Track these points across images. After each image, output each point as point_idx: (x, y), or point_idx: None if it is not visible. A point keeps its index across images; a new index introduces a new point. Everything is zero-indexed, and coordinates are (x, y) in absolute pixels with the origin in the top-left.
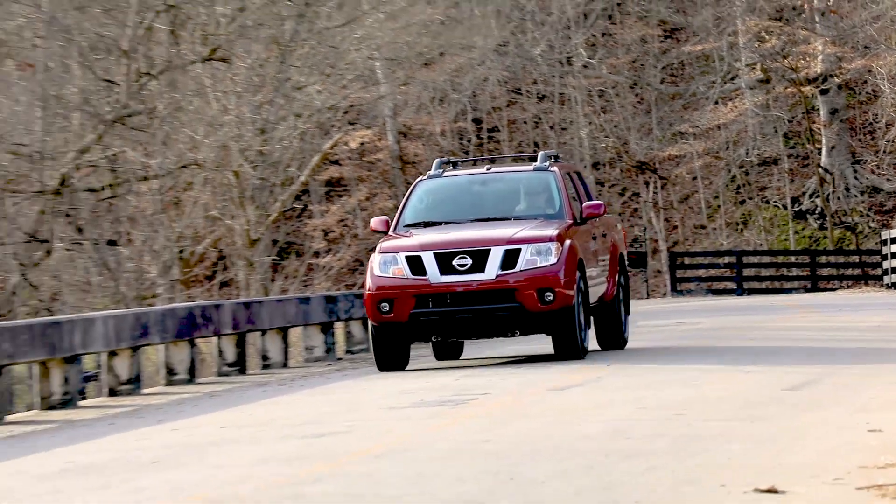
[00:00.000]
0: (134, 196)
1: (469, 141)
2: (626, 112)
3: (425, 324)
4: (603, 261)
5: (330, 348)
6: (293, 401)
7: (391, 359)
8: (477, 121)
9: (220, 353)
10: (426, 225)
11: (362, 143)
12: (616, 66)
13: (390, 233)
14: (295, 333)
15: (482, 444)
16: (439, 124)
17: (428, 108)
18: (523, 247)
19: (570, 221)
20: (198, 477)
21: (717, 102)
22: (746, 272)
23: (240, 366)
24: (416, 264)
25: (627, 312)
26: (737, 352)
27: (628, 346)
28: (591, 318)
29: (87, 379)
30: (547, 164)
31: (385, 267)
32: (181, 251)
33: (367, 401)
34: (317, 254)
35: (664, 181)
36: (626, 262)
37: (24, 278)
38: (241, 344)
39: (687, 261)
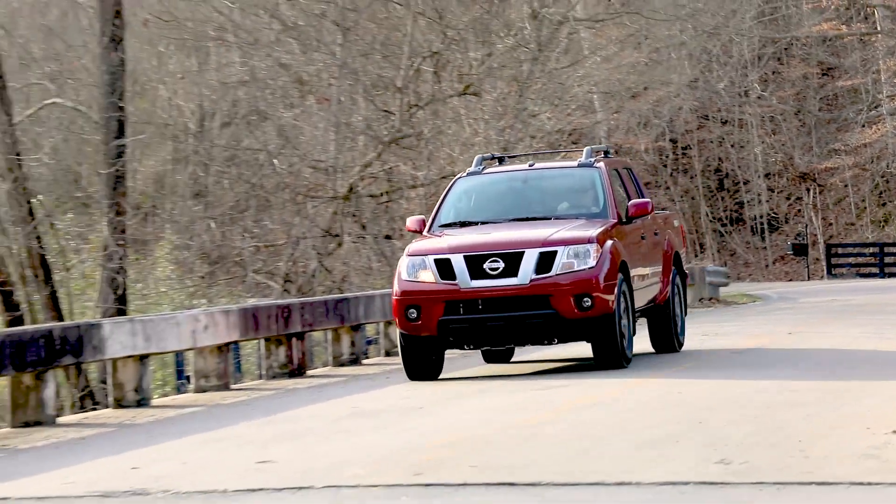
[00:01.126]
0: (405, 200)
1: (667, 156)
2: (792, 133)
3: (455, 332)
4: (654, 261)
5: None
6: (529, 365)
7: (421, 368)
8: (673, 140)
9: None
10: (462, 225)
11: None
12: (783, 97)
13: (424, 233)
14: None
15: (672, 397)
16: (643, 143)
17: (634, 131)
18: (559, 249)
19: (615, 221)
20: (451, 420)
21: (863, 126)
22: (887, 259)
23: None
24: (445, 268)
25: (684, 314)
26: (881, 323)
27: (685, 348)
28: (639, 320)
29: (369, 343)
30: (592, 160)
31: (413, 270)
32: None
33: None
34: None
35: (821, 188)
36: (683, 262)
37: (320, 265)
38: None
39: (840, 251)
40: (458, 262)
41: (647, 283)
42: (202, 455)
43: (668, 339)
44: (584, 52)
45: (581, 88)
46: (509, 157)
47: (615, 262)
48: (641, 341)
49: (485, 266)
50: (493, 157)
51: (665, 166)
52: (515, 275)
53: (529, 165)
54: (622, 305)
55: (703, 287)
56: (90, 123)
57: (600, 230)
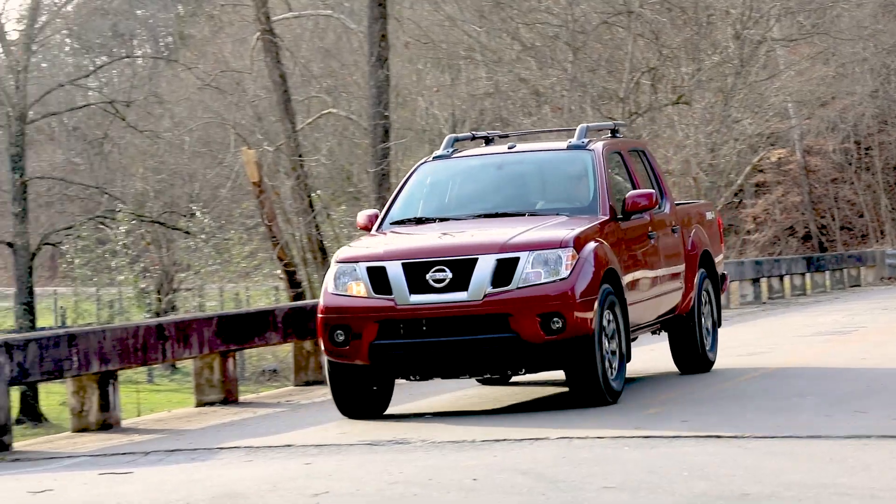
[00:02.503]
0: None
1: (851, 156)
2: None
3: (392, 359)
4: (670, 264)
5: (757, 295)
6: (732, 331)
7: (356, 402)
8: (857, 142)
9: None
10: (419, 222)
11: (779, 158)
12: None
13: (373, 231)
14: (733, 286)
15: (860, 361)
16: (831, 145)
17: (823, 134)
18: (522, 255)
19: (605, 217)
20: (671, 380)
21: None
22: None
23: None
24: (379, 279)
25: (718, 324)
26: None
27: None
28: (653, 334)
29: None
30: (585, 140)
31: (341, 282)
32: None
33: (781, 331)
34: (748, 232)
35: None
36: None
37: None
38: None
39: None
40: (394, 271)
41: (657, 291)
42: (454, 409)
43: (693, 357)
44: (780, 66)
45: (777, 98)
46: (500, 135)
47: (598, 271)
48: (663, 358)
49: (428, 277)
50: (473, 137)
51: (850, 164)
52: (465, 288)
53: (509, 148)
54: (608, 324)
55: (883, 268)
56: (360, 130)
57: (580, 230)
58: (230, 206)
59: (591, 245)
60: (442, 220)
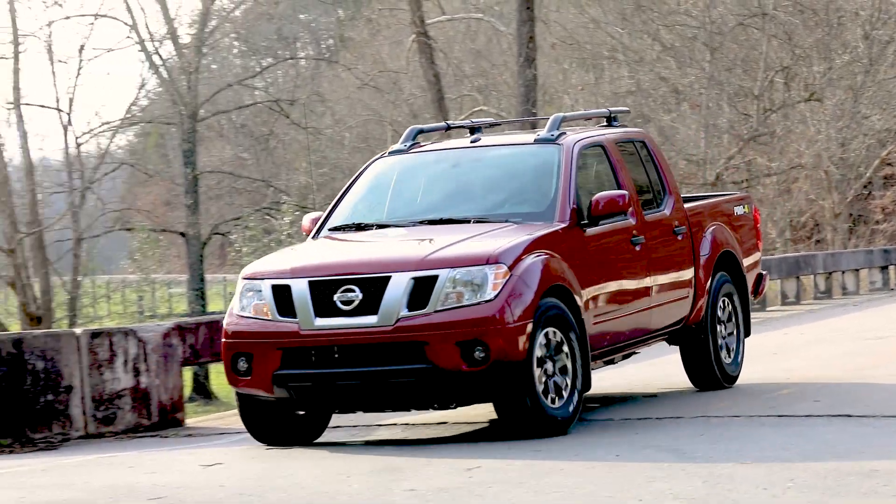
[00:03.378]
0: (761, 186)
1: None
2: None
3: (297, 391)
4: (672, 271)
5: (885, 282)
6: (861, 316)
7: (273, 430)
8: None
9: (815, 285)
10: (358, 228)
11: None
12: None
13: (309, 238)
14: (863, 273)
15: None
16: None
17: None
18: (442, 273)
19: (563, 224)
20: (803, 363)
21: None
22: None
23: (827, 293)
24: (284, 299)
25: (745, 333)
26: None
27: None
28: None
29: None
30: (554, 133)
31: (246, 302)
32: (791, 220)
33: None
34: (877, 222)
35: None
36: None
37: None
38: (828, 279)
39: None
40: (299, 290)
41: (647, 303)
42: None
43: (707, 371)
44: None
45: None
46: (491, 123)
47: (538, 289)
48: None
49: (335, 298)
50: (448, 127)
51: None
52: (376, 311)
53: (472, 141)
54: (549, 349)
55: None
56: (509, 127)
57: (517, 242)
58: None
59: (531, 259)
60: (381, 226)
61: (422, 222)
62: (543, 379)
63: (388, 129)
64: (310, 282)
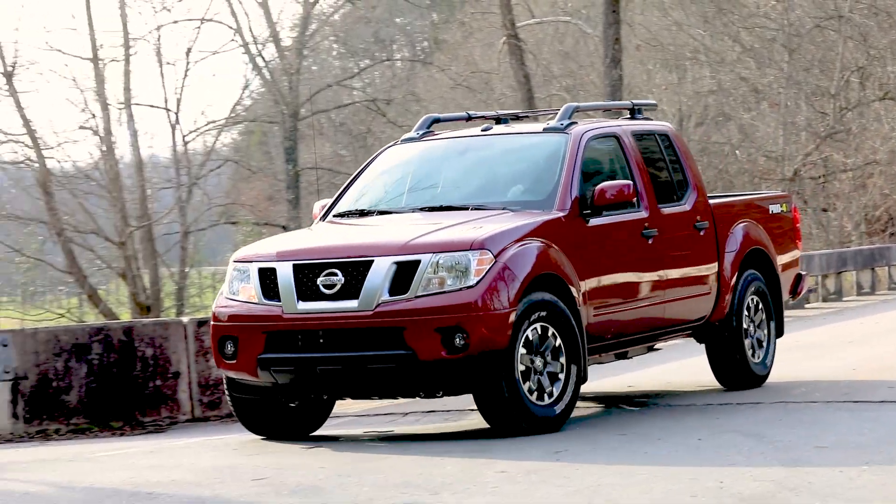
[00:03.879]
0: (837, 181)
1: None
2: None
3: (279, 375)
4: (691, 265)
5: None
6: None
7: (264, 419)
8: None
9: (890, 276)
10: (361, 214)
11: None
12: None
13: (315, 223)
14: None
15: None
16: None
17: None
18: (424, 258)
19: (561, 213)
20: (878, 351)
21: None
22: None
23: None
24: (269, 282)
25: (777, 333)
26: None
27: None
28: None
29: (809, 291)
30: (564, 122)
31: (235, 285)
32: (866, 214)
33: None
34: None
35: None
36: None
37: None
38: None
39: None
40: (284, 273)
41: (660, 297)
42: (664, 383)
43: (733, 369)
44: None
45: None
46: (518, 115)
47: (526, 278)
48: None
49: (319, 281)
50: (467, 117)
51: None
52: (357, 296)
53: (483, 130)
54: (537, 340)
55: None
56: None
57: (505, 229)
58: None
59: (520, 247)
60: (382, 212)
61: (422, 209)
62: (529, 371)
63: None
64: (294, 265)
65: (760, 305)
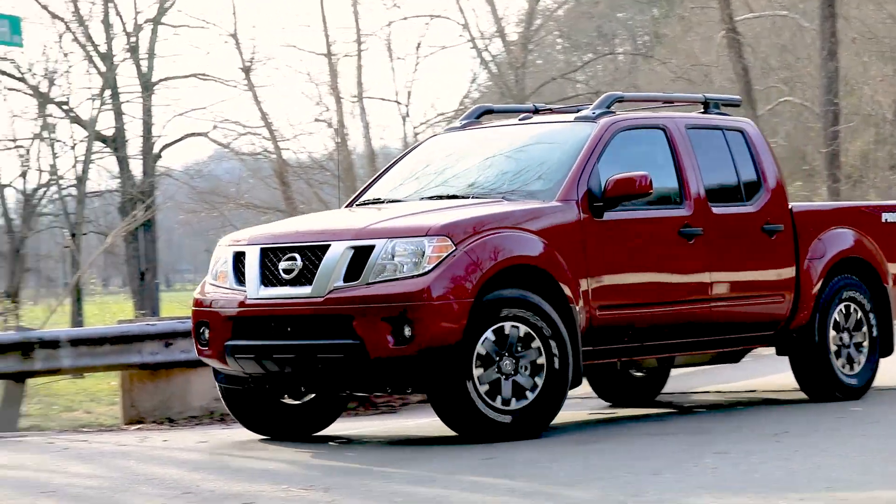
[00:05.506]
0: None
1: None
2: None
3: (242, 364)
4: (755, 270)
5: None
6: None
7: (255, 415)
8: None
9: None
10: (376, 202)
11: None
12: None
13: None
14: None
15: None
16: None
17: None
18: (378, 244)
19: (559, 205)
20: None
21: None
22: None
23: None
24: (240, 267)
25: (876, 349)
26: None
27: None
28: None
29: None
30: (596, 111)
31: (216, 269)
32: None
33: None
34: None
35: None
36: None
37: None
38: None
39: None
40: (251, 258)
41: (703, 302)
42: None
43: (816, 380)
44: None
45: None
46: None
47: (491, 269)
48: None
49: (280, 266)
50: (518, 110)
51: None
52: (310, 282)
53: (520, 119)
54: (514, 340)
55: None
56: (813, 115)
57: (475, 215)
58: None
59: (488, 235)
60: (393, 201)
61: (430, 198)
62: (492, 374)
63: None
64: (261, 249)
65: (858, 317)
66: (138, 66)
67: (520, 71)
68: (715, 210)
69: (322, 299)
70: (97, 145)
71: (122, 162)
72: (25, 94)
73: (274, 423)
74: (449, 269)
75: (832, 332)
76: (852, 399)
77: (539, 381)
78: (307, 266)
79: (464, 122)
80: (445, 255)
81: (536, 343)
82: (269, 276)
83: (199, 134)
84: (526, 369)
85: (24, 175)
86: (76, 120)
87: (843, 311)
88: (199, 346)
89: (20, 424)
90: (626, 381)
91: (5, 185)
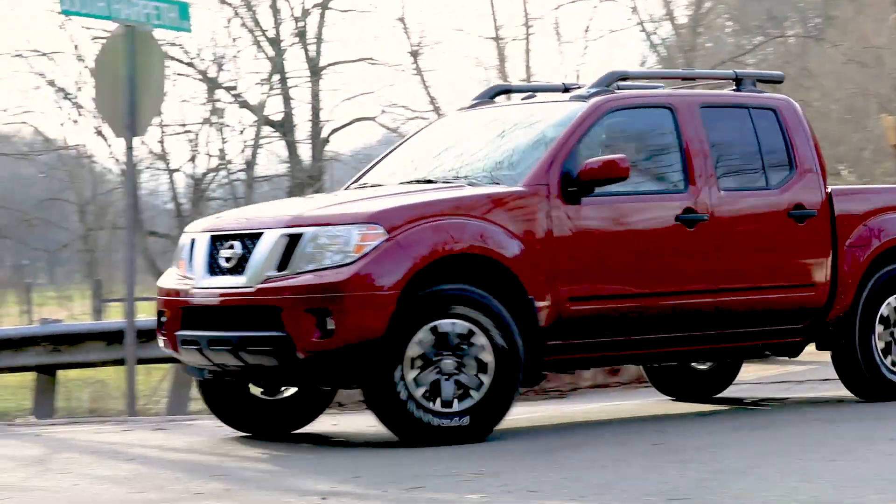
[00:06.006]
0: None
1: None
2: None
3: (188, 355)
4: (773, 259)
5: None
6: None
7: (229, 407)
8: None
9: None
10: (362, 187)
11: None
12: None
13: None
14: None
15: None
16: None
17: None
18: (307, 232)
19: (520, 190)
20: None
21: None
22: None
23: None
24: (193, 254)
25: None
26: None
27: None
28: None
29: None
30: (591, 91)
31: (177, 256)
32: None
33: None
34: None
35: None
36: None
37: None
38: None
39: None
40: (201, 245)
41: (706, 293)
42: None
43: (859, 377)
44: None
45: None
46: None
47: (424, 258)
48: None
49: (221, 254)
50: (533, 89)
51: None
52: (243, 271)
53: (523, 99)
54: (455, 336)
55: None
56: None
57: (420, 202)
58: (871, 166)
59: (427, 223)
60: (376, 185)
61: (408, 182)
62: (431, 374)
63: (872, 102)
64: (211, 237)
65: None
66: (306, 51)
67: (689, 54)
68: (726, 195)
69: (254, 289)
70: (265, 130)
71: (291, 146)
72: (194, 79)
73: (248, 418)
74: (375, 260)
75: (879, 328)
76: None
77: (485, 379)
78: (244, 255)
79: (475, 101)
80: (375, 244)
81: (482, 340)
82: (213, 265)
83: (368, 118)
84: (470, 368)
85: (193, 160)
86: (245, 105)
87: (893, 305)
88: (160, 335)
89: (190, 408)
90: (689, 374)
91: (175, 170)
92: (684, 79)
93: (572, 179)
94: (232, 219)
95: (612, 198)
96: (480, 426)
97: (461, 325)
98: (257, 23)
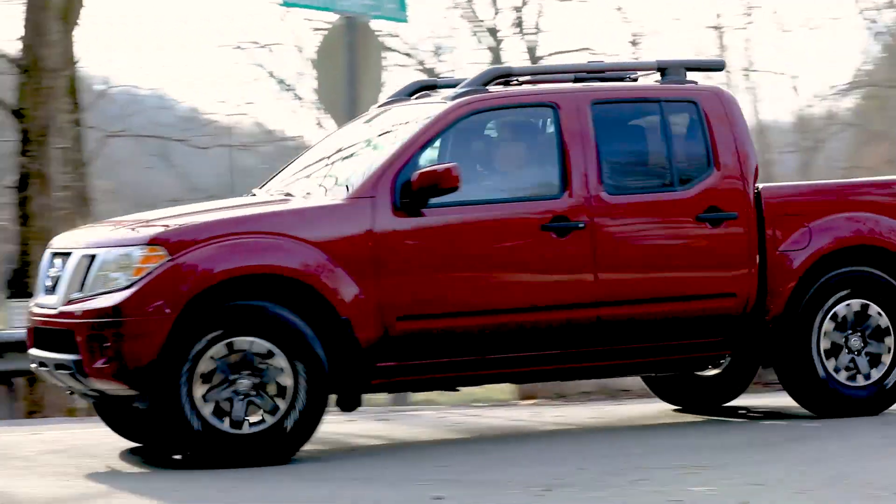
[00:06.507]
0: None
1: None
2: None
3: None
4: (673, 266)
5: None
6: None
7: (119, 423)
8: None
9: None
10: (262, 187)
11: None
12: None
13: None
14: None
15: None
16: None
17: None
18: (99, 254)
19: (339, 203)
20: None
21: None
22: None
23: None
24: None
25: None
26: None
27: None
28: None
29: None
30: (462, 90)
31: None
32: None
33: None
34: None
35: None
36: None
37: None
38: None
39: None
40: (44, 263)
41: (583, 307)
42: None
43: (806, 389)
44: None
45: None
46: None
47: (205, 280)
48: None
49: (49, 273)
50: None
51: None
52: (55, 291)
53: (415, 100)
54: (248, 360)
55: None
56: None
57: (215, 220)
58: None
59: (216, 244)
60: (252, 196)
61: (284, 191)
62: (211, 391)
63: None
64: (50, 254)
65: (869, 318)
66: (525, 41)
67: None
68: (612, 199)
69: (57, 312)
70: None
71: None
72: (414, 69)
73: (132, 425)
74: (154, 282)
75: (823, 342)
76: (872, 413)
77: (282, 404)
78: (61, 275)
79: (391, 98)
80: (156, 266)
81: (282, 362)
82: (48, 283)
83: None
84: (270, 389)
85: None
86: None
87: (843, 312)
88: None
89: (411, 399)
90: (694, 382)
91: None
92: (591, 72)
93: (410, 192)
94: (64, 237)
95: (462, 207)
96: (276, 449)
97: (259, 345)
98: (475, 13)
